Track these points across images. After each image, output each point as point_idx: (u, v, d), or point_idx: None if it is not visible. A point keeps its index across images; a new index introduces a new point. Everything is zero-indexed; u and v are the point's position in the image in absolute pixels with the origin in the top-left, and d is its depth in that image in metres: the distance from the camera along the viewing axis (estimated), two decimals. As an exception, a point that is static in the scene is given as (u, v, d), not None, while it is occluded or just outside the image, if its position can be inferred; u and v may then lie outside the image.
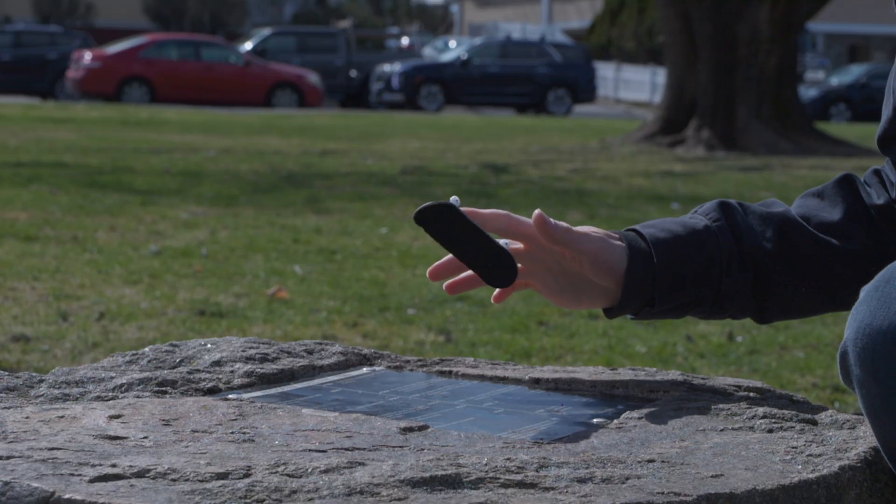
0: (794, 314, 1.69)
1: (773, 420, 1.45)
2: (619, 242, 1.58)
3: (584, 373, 1.69)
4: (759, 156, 17.21)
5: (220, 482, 1.18)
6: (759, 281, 1.63)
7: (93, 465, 1.22)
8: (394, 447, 1.32)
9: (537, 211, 1.56)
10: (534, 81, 31.86)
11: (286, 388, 1.59)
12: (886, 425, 1.30)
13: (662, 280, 1.58)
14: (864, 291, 1.34)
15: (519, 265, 1.57)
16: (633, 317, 1.63)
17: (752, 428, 1.42)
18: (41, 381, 1.58)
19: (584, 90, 32.40)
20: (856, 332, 1.31)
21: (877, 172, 1.71)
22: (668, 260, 1.58)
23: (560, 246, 1.57)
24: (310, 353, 1.74)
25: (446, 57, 33.37)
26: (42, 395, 1.53)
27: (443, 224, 1.53)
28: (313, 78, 29.63)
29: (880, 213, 1.66)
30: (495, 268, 1.53)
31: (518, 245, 1.59)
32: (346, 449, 1.30)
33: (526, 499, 1.17)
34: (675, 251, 1.59)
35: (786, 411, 1.48)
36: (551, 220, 1.55)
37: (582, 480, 1.22)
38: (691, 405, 1.52)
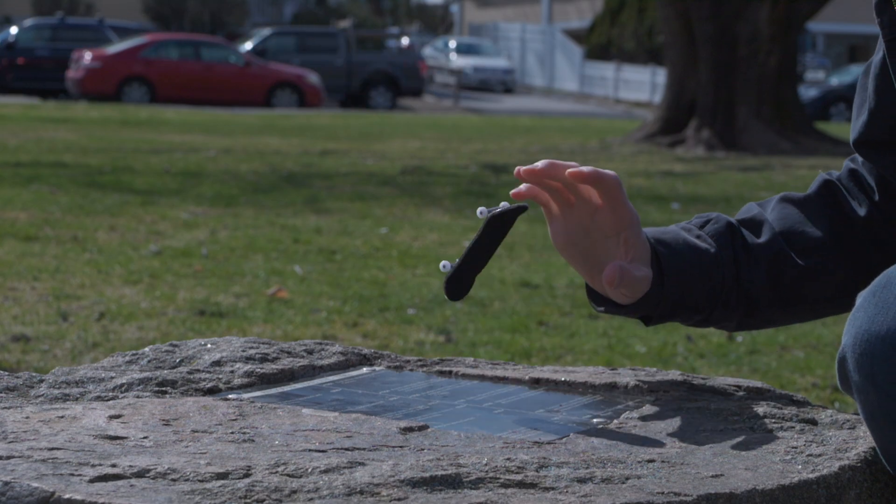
0: (770, 327, 1.72)
1: (773, 420, 1.45)
2: (648, 279, 1.55)
3: (584, 373, 1.69)
4: (759, 156, 17.21)
5: (220, 482, 1.18)
6: (747, 309, 1.64)
7: (93, 465, 1.22)
8: (394, 447, 1.32)
9: (615, 266, 1.50)
10: None
11: (286, 388, 1.59)
12: (885, 431, 1.30)
13: (664, 307, 1.58)
14: (862, 297, 1.34)
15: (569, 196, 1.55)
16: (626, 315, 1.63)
17: (752, 428, 1.42)
18: (41, 381, 1.58)
19: None
20: (854, 339, 1.31)
21: (854, 174, 1.70)
22: (677, 290, 1.58)
23: (614, 291, 1.54)
24: (310, 353, 1.74)
25: None
26: (42, 395, 1.53)
27: (498, 227, 1.53)
28: (313, 78, 29.63)
29: (863, 225, 1.66)
30: (459, 280, 1.52)
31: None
32: (346, 449, 1.30)
33: (526, 499, 1.16)
34: (685, 282, 1.58)
35: (786, 411, 1.48)
36: (626, 267, 1.51)
37: (582, 480, 1.22)
38: (691, 405, 1.52)
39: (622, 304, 1.57)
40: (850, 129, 1.69)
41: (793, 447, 1.35)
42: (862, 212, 1.66)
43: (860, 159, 1.70)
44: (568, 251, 1.56)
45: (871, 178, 1.67)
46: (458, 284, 1.52)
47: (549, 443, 1.35)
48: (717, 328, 1.67)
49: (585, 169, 1.52)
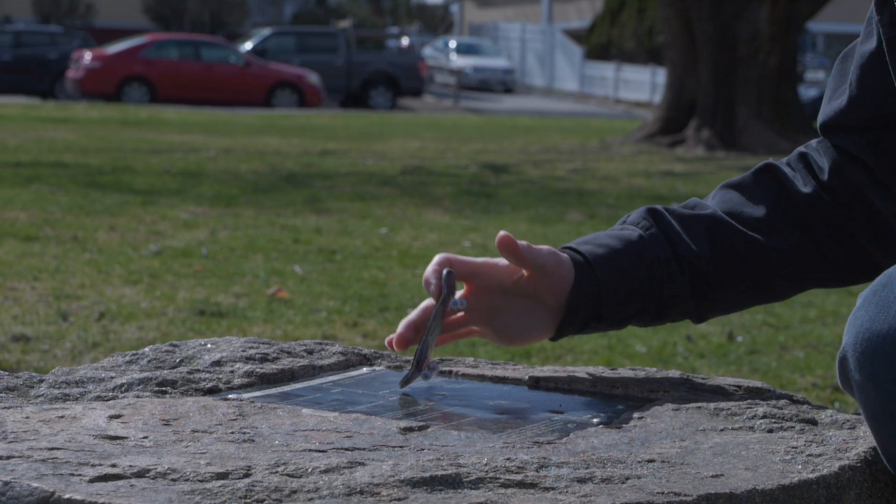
0: (732, 310, 1.68)
1: (773, 420, 1.45)
2: (567, 261, 1.57)
3: (584, 373, 1.69)
4: (759, 156, 17.21)
5: (220, 482, 1.18)
6: (696, 284, 1.62)
7: (93, 465, 1.22)
8: (394, 447, 1.32)
9: (503, 232, 1.55)
10: None
11: (286, 388, 1.59)
12: (886, 430, 1.30)
13: (607, 294, 1.58)
14: (862, 297, 1.34)
15: (460, 314, 1.59)
16: (577, 333, 1.63)
17: (752, 428, 1.42)
18: (41, 381, 1.58)
19: None
20: (855, 338, 1.31)
21: (803, 157, 1.69)
22: (610, 274, 1.57)
23: (523, 263, 1.56)
24: (310, 353, 1.74)
25: None
26: (42, 395, 1.53)
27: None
28: (313, 78, 29.63)
29: (808, 202, 1.64)
30: (414, 367, 1.57)
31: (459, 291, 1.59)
32: (346, 449, 1.30)
33: (526, 499, 1.16)
34: (615, 264, 1.58)
35: (786, 411, 1.48)
36: (512, 240, 1.54)
37: (582, 480, 1.22)
38: (691, 405, 1.52)
39: (560, 302, 1.57)
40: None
41: (793, 447, 1.35)
42: (806, 190, 1.65)
43: (814, 144, 1.70)
44: (516, 335, 1.59)
45: (824, 160, 1.66)
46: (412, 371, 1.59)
47: (549, 443, 1.35)
48: (679, 318, 1.64)
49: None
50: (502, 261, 1.58)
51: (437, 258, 1.56)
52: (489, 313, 1.59)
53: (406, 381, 1.57)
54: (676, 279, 1.60)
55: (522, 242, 1.55)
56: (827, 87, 1.69)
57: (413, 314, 1.59)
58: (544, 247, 1.57)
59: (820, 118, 1.67)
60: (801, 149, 1.71)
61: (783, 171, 1.68)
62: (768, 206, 1.64)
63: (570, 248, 1.60)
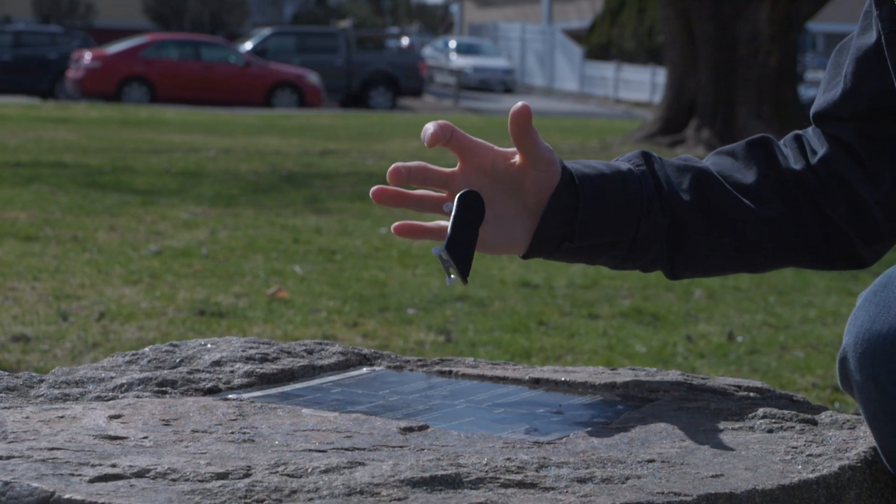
0: (706, 271, 1.66)
1: (773, 420, 1.45)
2: (558, 161, 1.57)
3: (584, 373, 1.69)
4: (759, 156, 17.21)
5: (220, 482, 1.18)
6: (674, 230, 1.60)
7: (93, 465, 1.22)
8: (394, 447, 1.32)
9: (522, 103, 1.53)
10: None
11: (286, 388, 1.59)
12: (886, 430, 1.30)
13: (584, 213, 1.55)
14: (862, 297, 1.34)
15: (445, 192, 1.57)
16: (547, 256, 1.59)
17: (752, 428, 1.42)
18: (41, 381, 1.58)
19: None
20: (855, 338, 1.31)
21: (797, 138, 1.69)
22: (592, 192, 1.56)
23: (528, 140, 1.54)
24: (310, 353, 1.74)
25: None
26: (42, 395, 1.53)
27: (469, 212, 1.54)
28: (313, 78, 29.63)
29: (796, 179, 1.64)
30: (460, 261, 1.53)
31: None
32: (346, 449, 1.30)
33: (526, 499, 1.16)
34: (599, 185, 1.56)
35: (786, 411, 1.48)
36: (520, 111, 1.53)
37: (582, 480, 1.22)
38: (691, 405, 1.51)
39: (540, 203, 1.55)
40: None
41: (793, 447, 1.35)
42: (796, 167, 1.64)
43: (810, 130, 1.70)
44: (487, 239, 1.57)
45: (817, 144, 1.66)
46: (464, 263, 1.54)
47: (549, 443, 1.35)
48: (650, 266, 1.62)
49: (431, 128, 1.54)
50: (500, 148, 1.57)
51: (440, 122, 1.54)
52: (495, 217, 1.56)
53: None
54: (655, 217, 1.58)
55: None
56: (822, 79, 1.69)
57: (409, 164, 1.57)
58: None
59: (813, 108, 1.68)
60: (797, 132, 1.71)
61: (776, 146, 1.68)
62: (757, 175, 1.64)
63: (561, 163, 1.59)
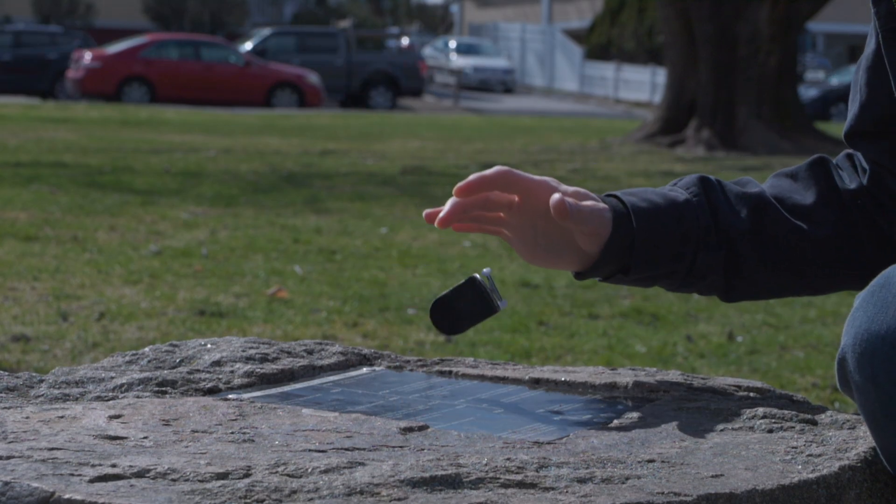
0: (762, 295, 1.67)
1: (773, 420, 1.45)
2: (606, 211, 1.57)
3: (584, 373, 1.69)
4: (759, 156, 17.21)
5: (220, 482, 1.18)
6: (731, 259, 1.61)
7: (93, 465, 1.22)
8: (394, 447, 1.32)
9: (557, 197, 1.53)
10: None
11: (286, 388, 1.59)
12: (886, 431, 1.30)
13: (639, 249, 1.57)
14: (860, 298, 1.34)
15: (501, 214, 1.59)
16: (601, 280, 1.62)
17: (752, 428, 1.42)
18: (41, 381, 1.58)
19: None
20: (854, 339, 1.30)
21: (850, 157, 1.70)
22: (647, 229, 1.57)
23: (572, 226, 1.55)
24: (310, 353, 1.74)
25: None
26: (42, 395, 1.53)
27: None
28: (313, 78, 29.63)
29: (852, 198, 1.65)
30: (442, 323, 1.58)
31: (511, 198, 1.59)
32: (346, 449, 1.30)
33: (526, 499, 1.16)
34: (655, 221, 1.57)
35: (786, 411, 1.47)
36: (570, 202, 1.53)
37: (582, 480, 1.22)
38: (691, 405, 1.51)
39: (593, 251, 1.56)
40: None
41: (793, 447, 1.35)
42: (852, 186, 1.65)
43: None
44: (542, 259, 1.60)
45: (865, 163, 1.68)
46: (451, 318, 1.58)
47: (549, 443, 1.35)
48: (707, 291, 1.64)
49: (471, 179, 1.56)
50: (556, 183, 1.58)
51: (496, 169, 1.56)
52: (526, 229, 1.59)
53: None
54: (712, 250, 1.60)
55: (570, 200, 1.53)
56: (849, 102, 1.69)
57: (466, 201, 1.57)
58: (589, 204, 1.56)
59: (844, 129, 1.68)
60: (848, 150, 1.72)
61: (833, 166, 1.69)
62: (816, 195, 1.65)
63: (616, 197, 1.60)
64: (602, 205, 1.57)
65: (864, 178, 1.66)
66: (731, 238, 1.61)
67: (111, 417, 1.41)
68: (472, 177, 1.56)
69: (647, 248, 1.57)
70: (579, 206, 1.54)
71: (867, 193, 1.65)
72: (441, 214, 1.56)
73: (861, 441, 1.38)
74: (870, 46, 1.63)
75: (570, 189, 1.58)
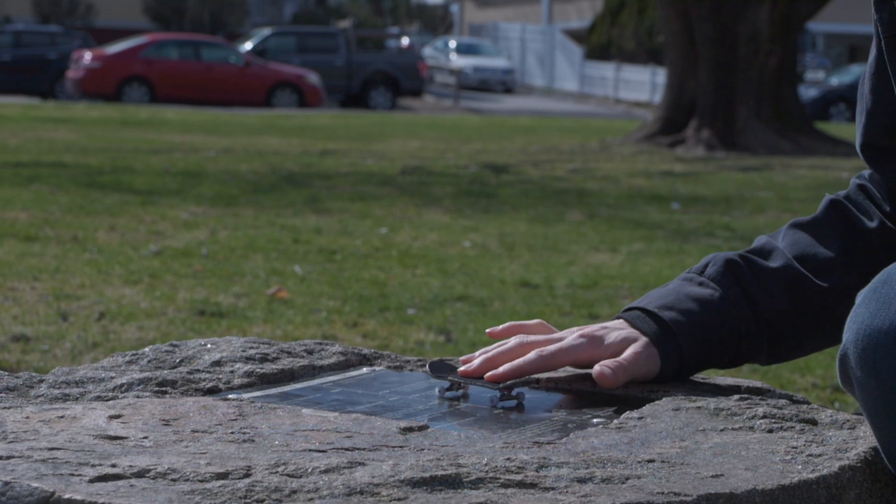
0: (804, 354, 1.71)
1: (773, 420, 1.45)
2: (653, 350, 1.57)
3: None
4: (759, 156, 17.21)
5: (220, 482, 1.18)
6: (773, 339, 1.64)
7: (93, 465, 1.22)
8: (394, 447, 1.32)
9: (598, 368, 1.55)
10: None
11: (286, 388, 1.59)
12: (887, 426, 1.30)
13: (689, 365, 1.60)
14: (862, 296, 1.34)
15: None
16: None
17: (752, 428, 1.42)
18: (41, 381, 1.58)
19: None
20: (856, 335, 1.30)
21: (862, 189, 1.69)
22: (695, 347, 1.59)
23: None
24: (310, 353, 1.74)
25: None
26: (42, 395, 1.53)
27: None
28: (313, 78, 29.64)
29: (876, 236, 1.65)
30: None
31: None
32: (346, 449, 1.30)
33: (526, 499, 1.16)
34: (700, 335, 1.59)
35: (786, 411, 1.47)
36: (608, 371, 1.54)
37: (582, 480, 1.22)
38: (691, 405, 1.51)
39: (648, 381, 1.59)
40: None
41: (793, 447, 1.35)
42: (873, 224, 1.65)
43: (867, 174, 1.70)
44: None
45: (881, 191, 1.67)
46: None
47: (549, 443, 1.35)
48: (749, 363, 1.67)
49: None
50: (593, 343, 1.58)
51: (533, 356, 1.56)
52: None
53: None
54: (754, 338, 1.62)
55: (607, 369, 1.54)
56: (856, 114, 1.69)
57: (492, 354, 1.58)
58: (631, 353, 1.56)
59: (857, 142, 1.67)
60: (857, 180, 1.71)
61: (848, 207, 1.68)
62: (839, 244, 1.65)
63: (652, 314, 1.59)
64: (641, 344, 1.57)
65: (884, 206, 1.66)
66: (770, 321, 1.62)
67: (111, 417, 1.41)
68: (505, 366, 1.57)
69: (696, 360, 1.60)
70: (622, 367, 1.55)
71: (890, 221, 1.65)
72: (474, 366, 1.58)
73: (861, 441, 1.38)
74: (872, 53, 1.62)
75: (614, 334, 1.58)
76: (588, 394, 1.60)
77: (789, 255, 1.65)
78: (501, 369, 1.54)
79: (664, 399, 1.56)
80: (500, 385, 1.52)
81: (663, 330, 1.59)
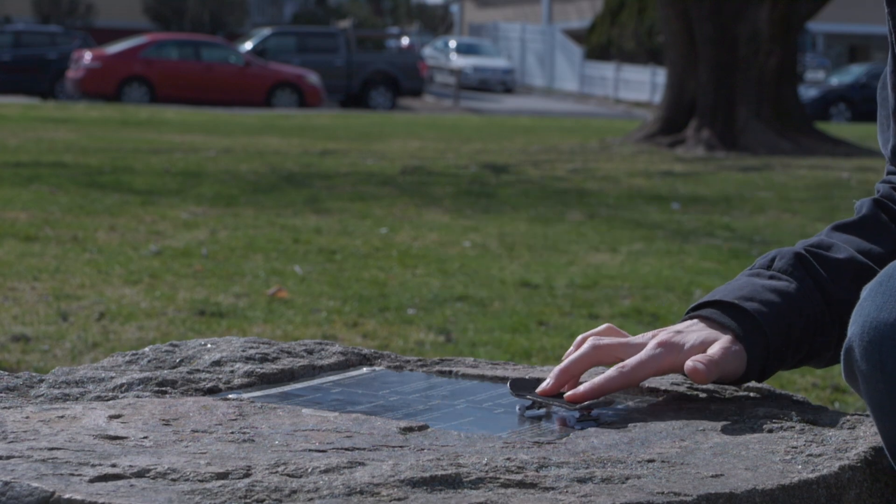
0: None
1: (773, 420, 1.45)
2: (738, 347, 1.53)
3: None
4: (759, 156, 17.21)
5: (220, 482, 1.18)
6: (841, 332, 1.61)
7: (93, 465, 1.22)
8: (394, 447, 1.32)
9: (690, 364, 1.50)
10: None
11: (286, 388, 1.59)
12: (891, 420, 1.30)
13: (773, 361, 1.56)
14: (867, 289, 1.34)
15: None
16: None
17: (752, 428, 1.42)
18: (41, 381, 1.58)
19: None
20: (861, 327, 1.30)
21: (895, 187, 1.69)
22: (780, 341, 1.55)
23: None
24: (310, 353, 1.74)
25: None
26: (42, 395, 1.53)
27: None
28: (313, 78, 29.64)
29: None
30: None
31: None
32: (346, 449, 1.30)
33: (526, 499, 1.16)
34: (784, 328, 1.55)
35: (786, 411, 1.47)
36: (702, 366, 1.49)
37: (582, 480, 1.22)
38: (691, 405, 1.51)
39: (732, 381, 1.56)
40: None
41: (793, 447, 1.35)
42: None
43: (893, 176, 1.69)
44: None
45: None
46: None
47: (549, 443, 1.35)
48: (811, 365, 1.63)
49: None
50: (670, 354, 1.53)
51: (614, 373, 1.51)
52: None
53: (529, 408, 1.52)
54: (828, 331, 1.59)
55: (699, 364, 1.50)
56: (878, 121, 1.67)
57: (566, 364, 1.55)
58: (719, 350, 1.52)
59: (889, 150, 1.66)
60: (883, 185, 1.69)
61: (888, 205, 1.67)
62: (890, 240, 1.63)
63: (734, 307, 1.55)
64: (726, 340, 1.53)
65: None
66: (841, 313, 1.59)
67: (111, 417, 1.41)
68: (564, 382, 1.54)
69: (780, 350, 1.55)
70: (713, 362, 1.50)
71: None
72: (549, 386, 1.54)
73: (861, 441, 1.38)
74: (889, 51, 1.61)
75: (698, 336, 1.54)
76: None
77: (851, 249, 1.63)
78: (581, 389, 1.50)
79: (664, 399, 1.56)
80: (578, 406, 1.48)
81: (748, 322, 1.54)
